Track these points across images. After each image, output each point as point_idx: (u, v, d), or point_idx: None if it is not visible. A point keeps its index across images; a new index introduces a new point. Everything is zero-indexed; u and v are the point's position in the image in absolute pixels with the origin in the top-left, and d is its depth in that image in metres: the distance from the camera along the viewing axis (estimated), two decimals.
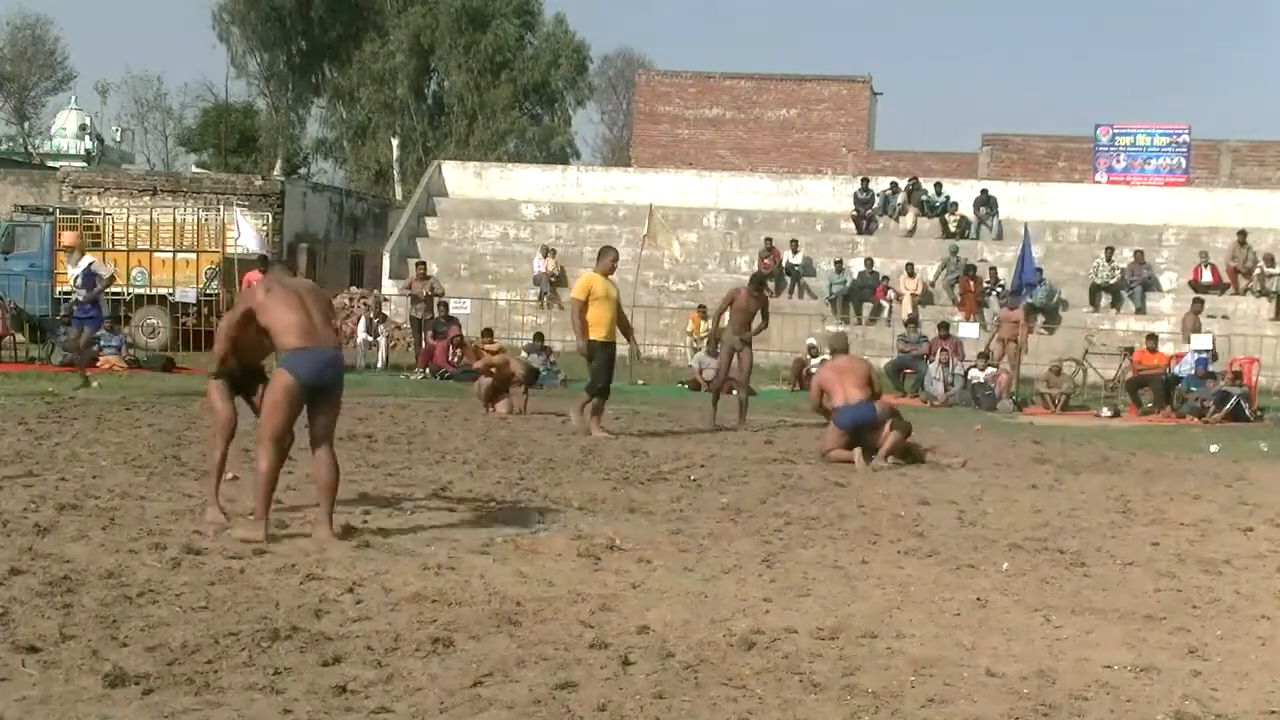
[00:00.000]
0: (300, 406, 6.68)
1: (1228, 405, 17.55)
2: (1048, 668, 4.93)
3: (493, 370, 14.68)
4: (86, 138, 56.62)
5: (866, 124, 38.33)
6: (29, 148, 54.86)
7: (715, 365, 19.79)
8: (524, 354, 20.03)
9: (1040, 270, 23.67)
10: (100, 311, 16.56)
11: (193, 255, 23.66)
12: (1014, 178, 31.65)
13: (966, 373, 19.13)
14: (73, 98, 59.98)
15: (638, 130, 40.16)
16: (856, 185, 28.23)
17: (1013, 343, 20.00)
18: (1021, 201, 27.57)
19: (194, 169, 49.48)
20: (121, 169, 44.14)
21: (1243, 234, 24.89)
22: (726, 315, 14.31)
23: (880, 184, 28.30)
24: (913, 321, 21.64)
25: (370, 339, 21.17)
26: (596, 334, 12.30)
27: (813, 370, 20.43)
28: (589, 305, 12.25)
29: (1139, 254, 25.13)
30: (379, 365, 20.70)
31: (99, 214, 25.98)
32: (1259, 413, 18.05)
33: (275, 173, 43.69)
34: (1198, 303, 22.33)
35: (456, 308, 21.98)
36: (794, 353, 20.93)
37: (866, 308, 24.43)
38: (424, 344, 20.89)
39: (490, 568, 6.26)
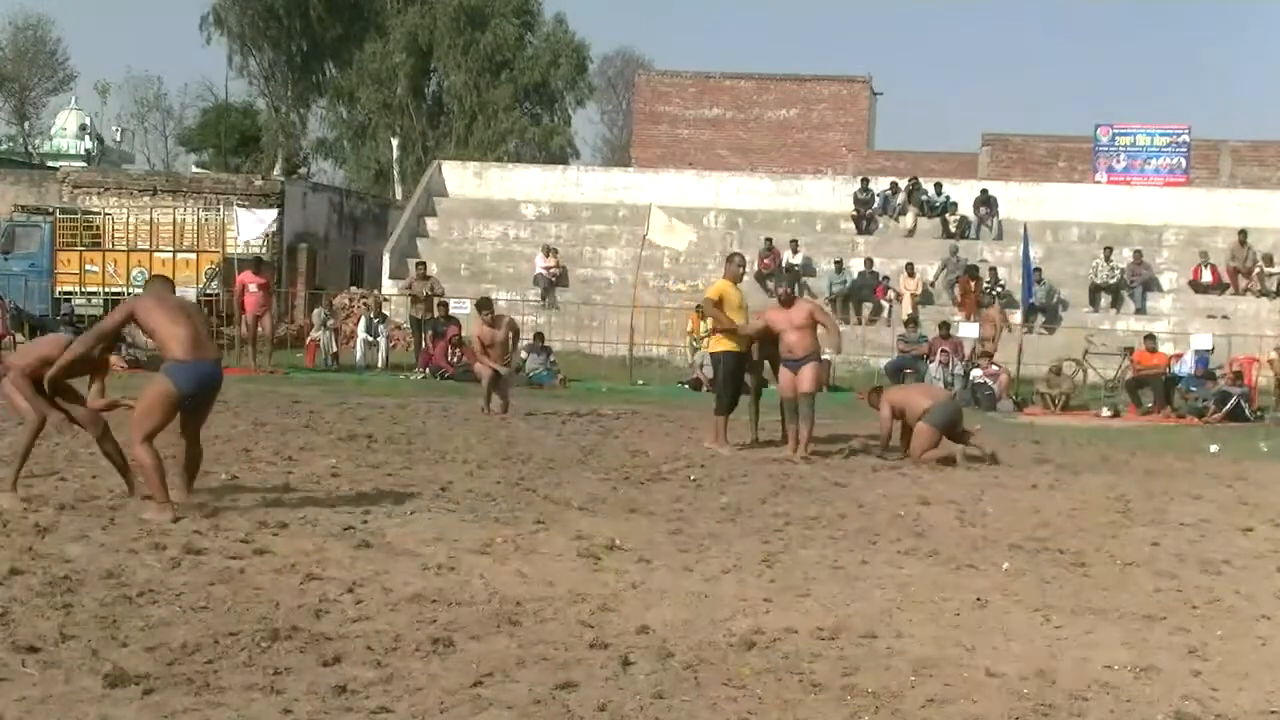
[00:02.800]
0: (175, 414, 7.19)
1: (1228, 405, 17.55)
2: (1048, 668, 4.93)
3: (486, 349, 14.45)
4: (86, 138, 56.61)
5: (866, 124, 38.32)
6: (29, 148, 54.85)
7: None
8: (524, 354, 20.08)
9: (1039, 270, 23.66)
10: None
11: (193, 255, 23.67)
12: (1014, 178, 31.61)
13: (967, 373, 19.13)
14: (73, 98, 60.01)
15: (638, 130, 40.16)
16: (856, 185, 28.20)
17: (991, 341, 20.25)
18: (1021, 201, 27.53)
19: (194, 169, 49.49)
20: (121, 169, 44.13)
21: (1243, 234, 24.88)
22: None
23: (880, 184, 28.27)
24: (913, 321, 21.64)
25: (370, 339, 21.18)
26: (725, 344, 11.86)
27: None
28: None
29: (1139, 254, 25.11)
30: (379, 365, 20.71)
31: (99, 214, 25.99)
32: (1259, 413, 18.04)
33: (275, 173, 43.66)
34: None
35: (456, 308, 21.96)
36: None
37: (866, 308, 24.42)
38: (424, 344, 20.89)
39: (490, 568, 6.26)
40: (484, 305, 15.33)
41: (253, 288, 19.43)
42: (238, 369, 19.37)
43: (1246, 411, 17.70)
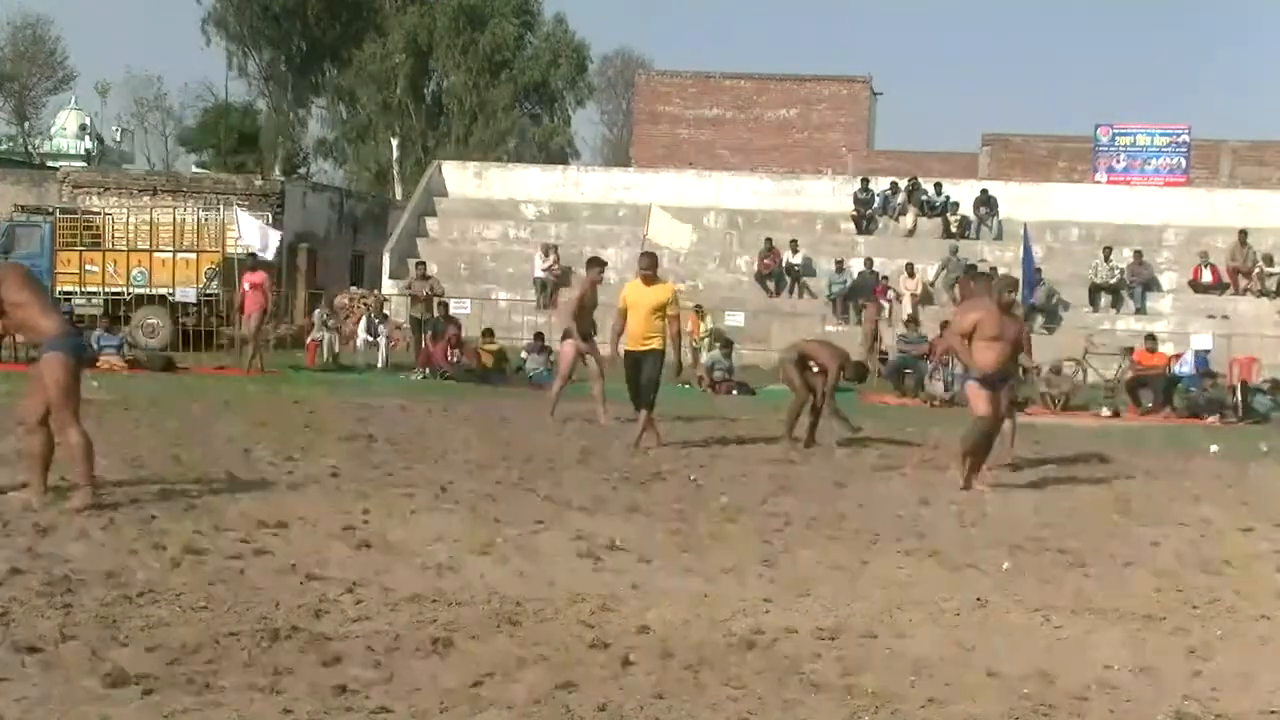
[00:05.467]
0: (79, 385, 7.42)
1: (1263, 411, 17.57)
2: (1048, 668, 4.93)
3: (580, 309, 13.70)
4: (86, 138, 56.67)
5: (866, 124, 38.39)
6: (29, 148, 54.86)
7: (726, 365, 19.78)
8: (524, 354, 20.07)
9: (1039, 270, 23.66)
10: None
11: (193, 255, 23.63)
12: (1014, 178, 31.62)
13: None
14: (73, 98, 60.14)
15: (638, 130, 40.22)
16: (856, 185, 28.22)
17: (869, 339, 20.73)
18: (1021, 201, 27.53)
19: (194, 169, 49.52)
20: (121, 169, 44.14)
21: (1243, 234, 24.88)
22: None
23: (880, 184, 28.28)
24: (913, 321, 21.65)
25: (370, 339, 21.17)
26: (630, 345, 12.00)
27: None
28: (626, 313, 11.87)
29: (1139, 254, 25.12)
30: (379, 365, 20.70)
31: (99, 214, 25.96)
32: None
33: (275, 173, 43.68)
34: None
35: (456, 308, 21.97)
36: None
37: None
38: (424, 344, 20.88)
39: (490, 568, 6.25)
40: (597, 262, 14.45)
41: (246, 286, 19.36)
42: (233, 369, 19.38)
43: (1264, 411, 17.73)
